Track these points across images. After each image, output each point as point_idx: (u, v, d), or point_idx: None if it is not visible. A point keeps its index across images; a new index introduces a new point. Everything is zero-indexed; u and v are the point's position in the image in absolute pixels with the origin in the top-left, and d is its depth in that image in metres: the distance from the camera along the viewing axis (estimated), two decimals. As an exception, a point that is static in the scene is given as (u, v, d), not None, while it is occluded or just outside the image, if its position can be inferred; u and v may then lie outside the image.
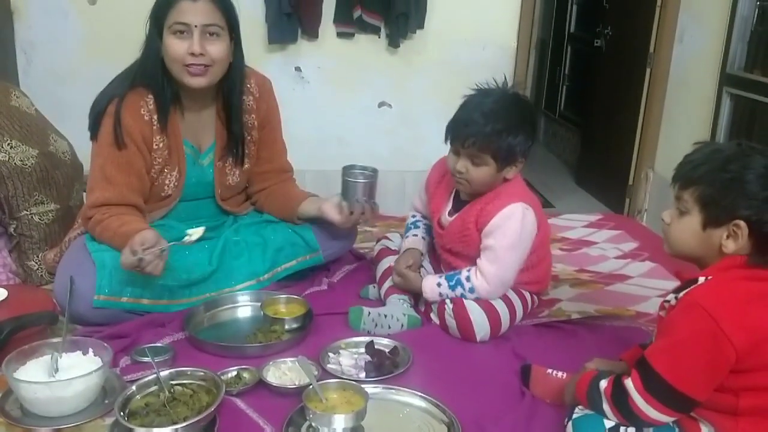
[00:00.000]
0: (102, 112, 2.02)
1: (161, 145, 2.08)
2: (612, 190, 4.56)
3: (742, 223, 1.33)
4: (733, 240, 1.35)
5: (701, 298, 1.33)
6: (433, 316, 2.04)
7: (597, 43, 4.75)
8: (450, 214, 2.07)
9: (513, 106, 1.91)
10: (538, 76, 6.40)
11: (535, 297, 2.13)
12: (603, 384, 1.46)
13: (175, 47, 1.97)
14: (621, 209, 4.41)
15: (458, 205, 2.06)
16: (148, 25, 2.02)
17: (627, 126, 4.37)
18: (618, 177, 4.46)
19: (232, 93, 2.14)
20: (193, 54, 1.96)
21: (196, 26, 1.95)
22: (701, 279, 1.38)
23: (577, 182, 5.10)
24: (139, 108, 2.03)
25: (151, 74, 2.02)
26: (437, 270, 2.15)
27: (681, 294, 1.39)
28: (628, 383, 1.40)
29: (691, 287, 1.38)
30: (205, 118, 2.16)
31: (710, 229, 1.37)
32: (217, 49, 2.01)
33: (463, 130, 1.90)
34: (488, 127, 1.86)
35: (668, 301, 1.44)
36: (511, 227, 1.92)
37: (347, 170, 2.16)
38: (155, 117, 2.05)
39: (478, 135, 1.87)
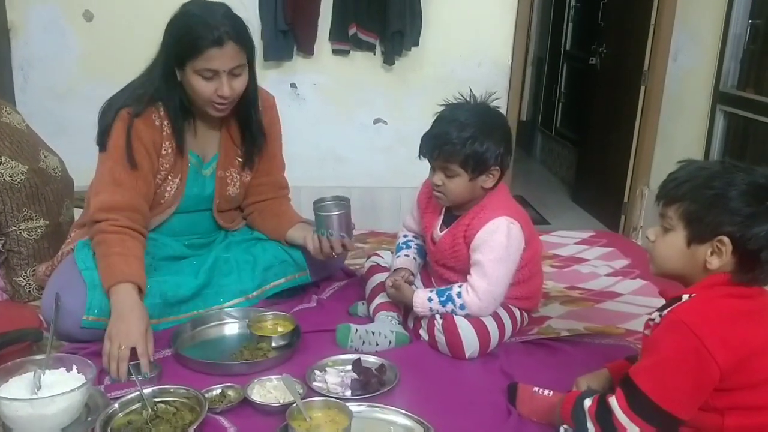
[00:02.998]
0: (113, 119, 2.03)
1: (169, 151, 2.09)
2: (607, 207, 4.58)
3: (726, 239, 1.33)
4: (717, 257, 1.35)
5: (685, 315, 1.33)
6: (422, 332, 2.03)
7: (592, 60, 4.79)
8: (441, 229, 2.07)
9: (481, 116, 1.93)
10: (535, 94, 6.44)
11: (525, 314, 2.12)
12: (587, 403, 1.45)
13: (203, 89, 1.99)
14: (617, 226, 4.43)
15: (449, 220, 2.06)
16: (163, 52, 2.02)
17: (622, 143, 4.40)
18: (613, 194, 4.48)
19: (251, 109, 2.18)
20: (221, 96, 2.00)
21: (224, 71, 1.97)
22: (685, 297, 1.38)
23: (573, 199, 5.12)
24: (150, 114, 2.05)
25: (167, 98, 2.04)
26: (428, 285, 2.14)
27: (665, 312, 1.39)
28: (612, 401, 1.39)
29: (675, 305, 1.38)
30: (213, 127, 2.19)
31: (694, 246, 1.37)
32: (241, 83, 2.04)
33: (429, 143, 1.94)
34: (452, 136, 1.88)
35: (653, 320, 1.44)
36: (496, 241, 1.92)
37: (317, 204, 2.15)
38: (165, 123, 2.07)
39: (443, 145, 1.90)
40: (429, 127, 1.97)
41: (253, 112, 2.20)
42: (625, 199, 4.42)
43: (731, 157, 3.56)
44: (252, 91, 2.14)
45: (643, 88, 4.23)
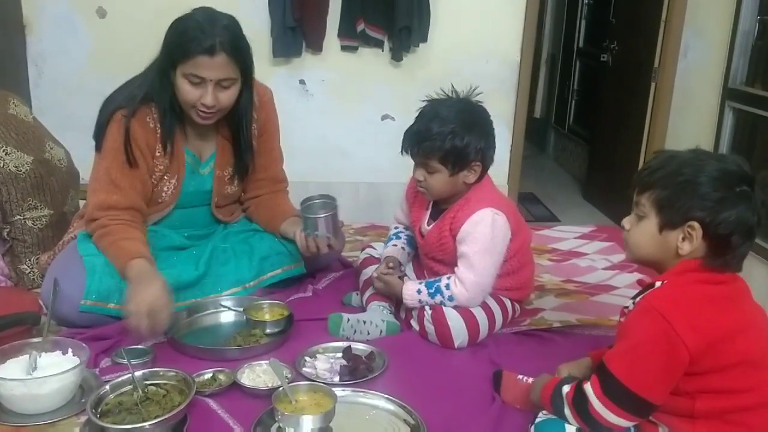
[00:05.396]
0: (108, 119, 2.06)
1: (164, 152, 2.12)
2: (618, 204, 4.54)
3: (696, 224, 1.34)
4: (688, 242, 1.37)
5: (656, 300, 1.35)
6: (413, 322, 2.05)
7: (604, 57, 4.76)
8: (428, 223, 2.09)
9: (462, 112, 1.93)
10: (548, 91, 6.41)
11: (517, 305, 2.14)
12: (565, 389, 1.47)
13: (188, 94, 2.00)
14: (626, 224, 4.40)
15: (435, 213, 2.08)
16: (161, 51, 2.03)
17: (632, 140, 4.37)
18: (623, 191, 4.40)
19: (241, 124, 2.19)
20: (204, 104, 2.01)
21: (210, 80, 1.98)
22: (657, 283, 1.40)
23: (584, 196, 5.09)
24: (144, 116, 2.08)
25: (160, 97, 2.06)
26: (420, 277, 2.17)
27: (638, 298, 1.41)
28: (587, 387, 1.41)
29: (647, 291, 1.39)
30: (205, 129, 2.20)
31: (666, 232, 1.39)
32: (228, 96, 2.05)
33: (409, 139, 1.96)
34: (431, 132, 1.89)
35: (627, 307, 1.46)
36: (481, 232, 1.93)
37: (304, 205, 2.15)
38: (159, 125, 2.09)
39: (423, 141, 1.91)
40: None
41: (245, 128, 2.20)
42: (635, 196, 4.39)
43: (739, 154, 3.53)
44: (246, 106, 2.15)
45: (653, 85, 4.20)
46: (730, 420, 1.35)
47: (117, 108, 2.06)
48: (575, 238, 2.93)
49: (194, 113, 2.06)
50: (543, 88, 6.47)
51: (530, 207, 4.65)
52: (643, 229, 1.42)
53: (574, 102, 5.83)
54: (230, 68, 2.00)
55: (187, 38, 1.95)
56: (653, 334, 1.32)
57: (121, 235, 2.04)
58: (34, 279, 2.33)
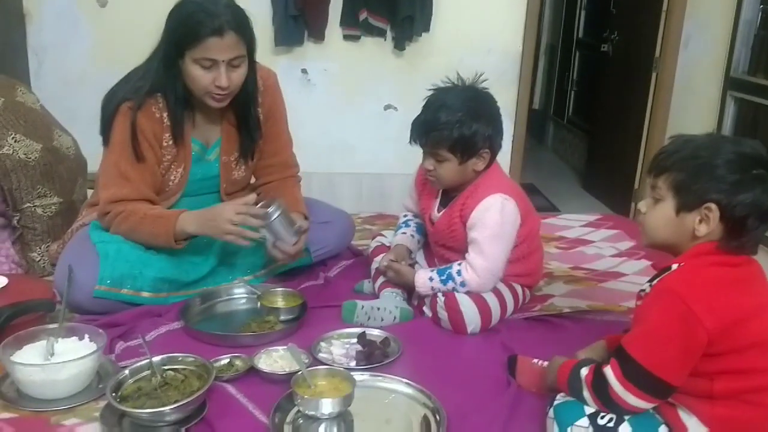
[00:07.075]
0: (114, 112, 2.05)
1: (170, 142, 2.12)
2: (618, 195, 4.57)
3: (713, 206, 1.36)
4: (705, 224, 1.38)
5: (673, 283, 1.36)
6: (425, 309, 2.06)
7: (604, 48, 4.77)
8: (438, 210, 2.10)
9: (468, 100, 1.94)
10: (548, 82, 6.42)
11: (527, 291, 2.15)
12: (584, 372, 1.48)
13: (202, 79, 1.99)
14: (627, 213, 4.42)
15: (445, 201, 2.09)
16: (164, 41, 2.02)
17: (633, 131, 4.39)
18: (624, 181, 4.47)
19: (249, 104, 2.19)
20: (219, 86, 2.00)
21: (223, 61, 1.97)
22: (674, 266, 1.41)
23: (584, 187, 5.12)
24: (150, 106, 2.07)
25: (169, 88, 2.05)
26: (431, 265, 2.18)
27: (655, 282, 1.42)
28: (608, 371, 1.41)
29: (664, 275, 1.41)
30: (212, 116, 2.20)
31: (683, 214, 1.40)
32: (239, 75, 2.04)
33: (418, 129, 1.96)
34: (439, 122, 1.90)
35: (643, 290, 1.47)
36: (491, 218, 1.95)
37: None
38: (165, 115, 2.09)
39: (431, 131, 1.92)
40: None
41: (252, 107, 2.20)
42: (636, 186, 4.42)
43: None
44: (251, 85, 2.14)
45: (654, 75, 4.22)
46: (749, 400, 1.36)
47: (122, 100, 2.05)
48: (581, 226, 2.95)
49: (208, 98, 2.05)
50: (542, 79, 6.48)
51: (530, 197, 4.63)
52: (660, 212, 1.43)
53: (573, 93, 5.85)
54: (239, 46, 2.00)
55: (194, 23, 1.94)
56: (671, 316, 1.33)
57: (147, 207, 2.06)
58: (44, 267, 2.33)
